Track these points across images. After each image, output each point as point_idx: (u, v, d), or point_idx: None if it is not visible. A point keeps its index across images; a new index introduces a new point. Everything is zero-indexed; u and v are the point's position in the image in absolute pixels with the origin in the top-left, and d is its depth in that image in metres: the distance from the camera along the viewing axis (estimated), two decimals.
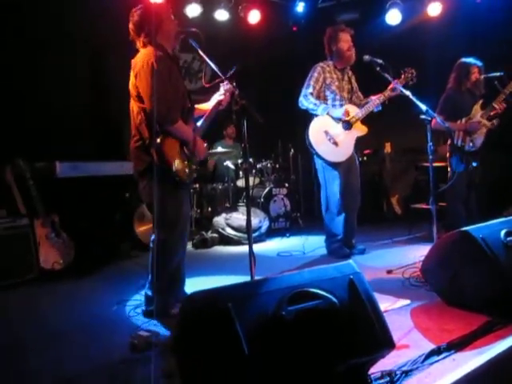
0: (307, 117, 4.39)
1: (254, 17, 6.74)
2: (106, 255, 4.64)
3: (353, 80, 4.52)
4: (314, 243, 4.94)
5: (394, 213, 6.79)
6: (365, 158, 7.06)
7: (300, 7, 6.97)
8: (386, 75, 4.00)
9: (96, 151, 5.18)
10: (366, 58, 4.05)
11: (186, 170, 2.79)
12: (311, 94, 4.23)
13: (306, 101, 4.22)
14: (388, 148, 7.03)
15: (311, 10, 7.00)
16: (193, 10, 6.31)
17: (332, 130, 4.20)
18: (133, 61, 2.77)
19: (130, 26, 2.83)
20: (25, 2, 4.97)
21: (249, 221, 2.59)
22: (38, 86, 5.01)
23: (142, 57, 2.73)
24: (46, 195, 4.24)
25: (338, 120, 4.21)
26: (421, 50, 6.45)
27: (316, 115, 4.24)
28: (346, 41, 4.33)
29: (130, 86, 2.77)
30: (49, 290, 3.78)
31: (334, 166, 4.24)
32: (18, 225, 3.99)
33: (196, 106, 3.13)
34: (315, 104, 4.20)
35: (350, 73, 4.51)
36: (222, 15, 6.63)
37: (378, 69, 4.01)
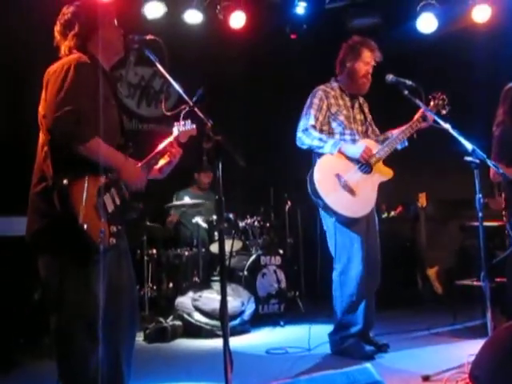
0: (311, 156, 4.44)
1: (238, 20, 6.91)
2: (17, 353, 4.51)
3: (366, 109, 4.63)
4: (319, 335, 4.86)
5: (433, 291, 6.77)
6: (391, 214, 7.10)
7: (300, 8, 7.14)
8: (417, 101, 4.10)
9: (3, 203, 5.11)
10: (390, 77, 4.17)
11: (102, 231, 2.62)
12: (313, 126, 4.28)
13: (308, 136, 4.26)
14: (423, 200, 7.07)
15: (316, 11, 7.21)
16: (153, 10, 6.48)
17: (346, 174, 4.22)
18: (47, 70, 2.79)
19: (57, 26, 2.89)
20: None
21: (224, 303, 2.55)
22: None
23: (61, 61, 2.75)
24: None
25: (353, 160, 4.26)
26: (463, 68, 6.68)
27: (322, 154, 4.27)
28: (366, 62, 4.43)
29: (40, 107, 2.78)
30: None
31: (351, 223, 4.25)
32: None
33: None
34: (320, 139, 4.24)
35: (362, 99, 4.63)
36: (193, 17, 6.81)
37: (405, 92, 4.12)
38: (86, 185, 2.61)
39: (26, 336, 4.70)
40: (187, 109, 2.87)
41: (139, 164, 2.95)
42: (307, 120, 4.31)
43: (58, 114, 2.54)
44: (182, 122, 3.10)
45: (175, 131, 3.12)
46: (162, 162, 3.08)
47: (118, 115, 2.96)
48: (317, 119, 4.32)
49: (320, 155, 4.29)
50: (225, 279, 2.62)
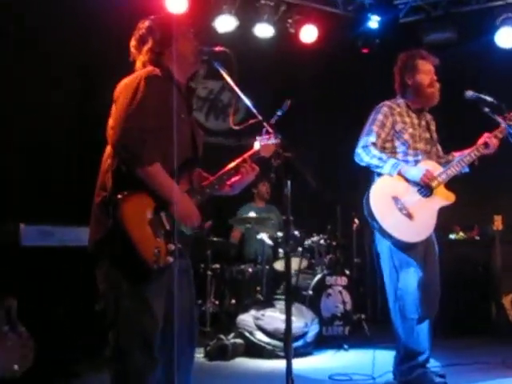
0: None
1: (309, 34, 6.94)
2: (80, 362, 4.54)
3: (432, 127, 4.49)
4: (385, 362, 4.72)
5: (508, 321, 6.50)
6: (459, 235, 6.91)
7: (374, 22, 7.10)
8: (500, 120, 4.01)
9: (75, 213, 5.21)
10: (470, 94, 4.07)
11: (156, 250, 2.58)
12: (374, 144, 4.19)
13: (368, 154, 4.17)
14: (498, 224, 6.83)
15: (389, 26, 7.15)
16: (224, 23, 6.57)
17: (404, 197, 4.12)
18: (118, 84, 2.80)
19: (132, 41, 2.91)
20: None
21: (288, 324, 2.48)
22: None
23: (132, 75, 2.76)
24: (1, 270, 4.25)
25: (413, 183, 4.15)
26: None
27: (380, 174, 4.18)
28: (427, 72, 4.35)
29: (110, 121, 2.77)
30: None
31: (407, 248, 4.11)
32: None
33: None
34: (380, 158, 4.14)
35: (429, 117, 4.49)
36: (264, 31, 6.86)
37: (486, 110, 4.03)
38: (141, 201, 2.60)
39: (86, 347, 4.73)
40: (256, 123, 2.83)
41: (210, 179, 2.92)
42: (368, 137, 4.22)
43: (125, 128, 2.54)
44: (265, 136, 3.03)
45: (256, 145, 3.02)
46: (234, 178, 3.00)
47: (189, 130, 2.91)
48: (378, 136, 4.22)
49: (379, 174, 4.21)
50: (290, 299, 2.55)
